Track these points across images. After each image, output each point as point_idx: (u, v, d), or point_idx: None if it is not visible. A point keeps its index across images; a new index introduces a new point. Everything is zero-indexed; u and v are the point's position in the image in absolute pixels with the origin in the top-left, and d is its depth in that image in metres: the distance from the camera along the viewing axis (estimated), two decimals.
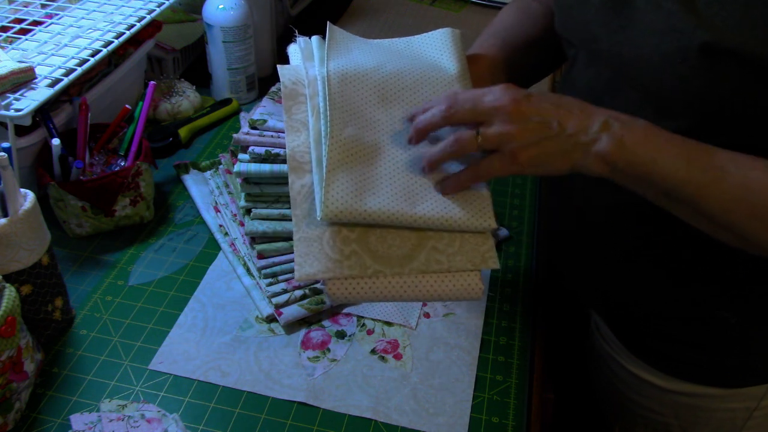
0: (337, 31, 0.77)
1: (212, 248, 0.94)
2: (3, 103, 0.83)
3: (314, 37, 0.78)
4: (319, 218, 0.62)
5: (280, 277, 0.86)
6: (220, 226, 0.95)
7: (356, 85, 0.70)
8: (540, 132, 0.60)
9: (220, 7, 1.14)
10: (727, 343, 0.79)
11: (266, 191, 0.87)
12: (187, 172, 1.06)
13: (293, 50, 0.79)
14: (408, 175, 0.66)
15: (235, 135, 0.88)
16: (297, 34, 0.80)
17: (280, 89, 1.04)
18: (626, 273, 0.81)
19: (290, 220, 0.86)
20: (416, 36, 0.79)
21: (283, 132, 0.85)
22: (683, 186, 0.59)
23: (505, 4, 1.47)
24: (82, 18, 1.01)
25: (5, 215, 0.71)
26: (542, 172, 0.62)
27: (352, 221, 0.63)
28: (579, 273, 0.89)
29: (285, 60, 0.81)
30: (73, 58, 0.92)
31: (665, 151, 0.60)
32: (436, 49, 0.77)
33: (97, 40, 0.96)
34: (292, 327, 0.83)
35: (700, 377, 0.82)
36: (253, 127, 0.88)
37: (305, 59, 0.75)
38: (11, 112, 0.82)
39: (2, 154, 0.69)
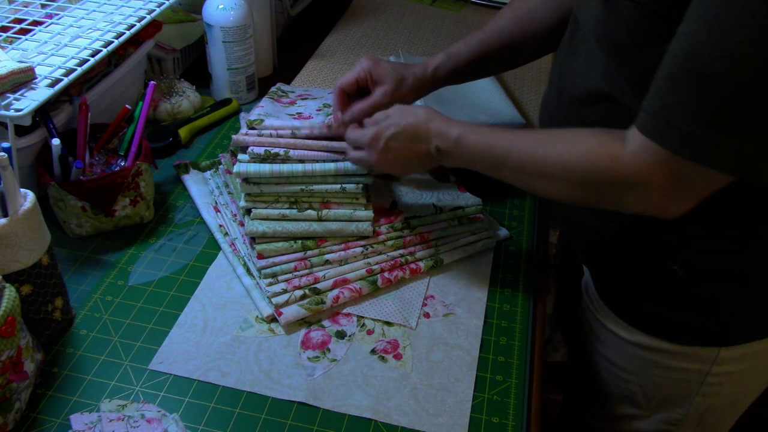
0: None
1: (212, 248, 0.94)
2: (3, 103, 0.83)
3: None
4: None
5: (280, 277, 0.86)
6: (220, 226, 0.95)
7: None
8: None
9: (220, 7, 1.14)
10: (676, 296, 0.83)
11: (266, 191, 0.87)
12: (187, 172, 1.06)
13: None
14: None
15: (234, 136, 0.89)
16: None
17: (280, 89, 1.05)
18: (599, 221, 0.84)
19: (290, 220, 0.87)
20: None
21: (282, 129, 0.88)
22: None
23: (504, 3, 1.48)
24: (82, 18, 1.01)
25: (5, 215, 0.71)
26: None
27: None
28: (570, 226, 0.94)
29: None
30: (73, 58, 0.91)
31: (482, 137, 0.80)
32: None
33: (97, 40, 0.96)
34: (292, 327, 0.83)
35: (654, 329, 0.86)
36: (251, 128, 0.88)
37: None
38: (11, 112, 0.82)
39: (2, 154, 0.69)
